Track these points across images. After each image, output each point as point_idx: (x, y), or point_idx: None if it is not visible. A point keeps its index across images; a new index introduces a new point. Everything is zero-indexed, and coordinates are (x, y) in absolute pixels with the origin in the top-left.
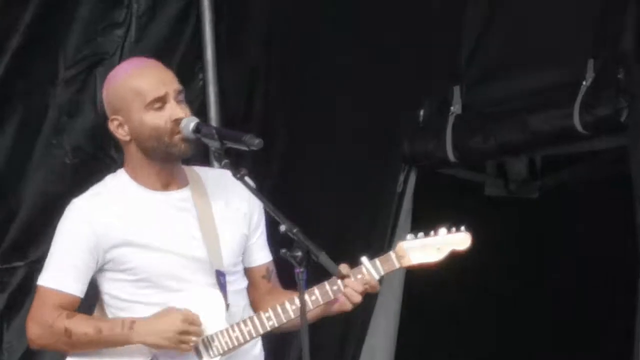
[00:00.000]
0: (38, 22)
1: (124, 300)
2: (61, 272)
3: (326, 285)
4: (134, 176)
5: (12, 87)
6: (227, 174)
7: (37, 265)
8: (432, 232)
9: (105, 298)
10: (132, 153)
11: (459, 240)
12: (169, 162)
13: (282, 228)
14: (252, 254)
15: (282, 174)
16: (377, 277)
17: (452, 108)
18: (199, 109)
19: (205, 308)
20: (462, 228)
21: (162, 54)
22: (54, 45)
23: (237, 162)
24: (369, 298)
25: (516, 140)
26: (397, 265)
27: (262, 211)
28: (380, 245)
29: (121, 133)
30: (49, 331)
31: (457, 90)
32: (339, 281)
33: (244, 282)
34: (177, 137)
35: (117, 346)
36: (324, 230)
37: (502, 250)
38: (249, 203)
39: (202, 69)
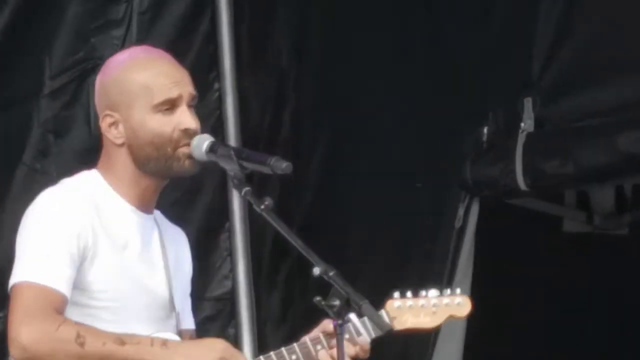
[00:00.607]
0: (18, 22)
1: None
2: (53, 267)
3: (307, 342)
4: (116, 186)
5: None
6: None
7: None
8: (422, 292)
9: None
10: (120, 159)
11: (457, 305)
12: (160, 180)
13: (316, 271)
14: (184, 317)
15: (316, 206)
16: (368, 338)
17: (522, 124)
18: (215, 125)
19: None
20: (458, 290)
21: None
22: (37, 50)
23: (260, 191)
24: None
25: (602, 165)
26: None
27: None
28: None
29: (114, 134)
30: (52, 336)
31: (528, 103)
32: (323, 339)
33: None
34: (181, 151)
35: None
36: (367, 275)
37: (585, 296)
38: (190, 258)
39: (219, 77)
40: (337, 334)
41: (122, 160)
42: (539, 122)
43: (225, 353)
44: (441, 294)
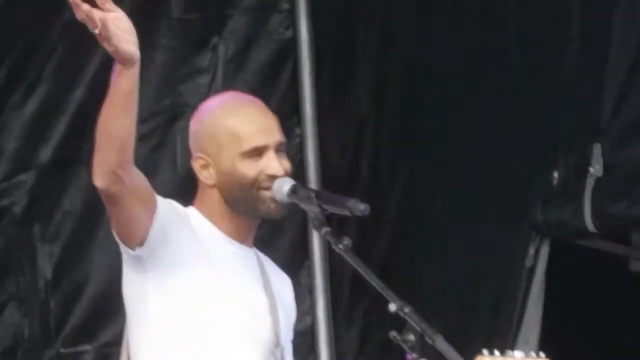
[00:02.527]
0: (107, 71)
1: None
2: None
3: None
4: (211, 219)
5: (75, 149)
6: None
7: (107, 350)
8: (509, 352)
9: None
10: (214, 199)
11: None
12: (251, 219)
13: (392, 307)
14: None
15: (393, 245)
16: None
17: (591, 169)
18: (297, 168)
19: None
20: (542, 354)
21: None
22: None
23: (339, 231)
24: None
25: None
26: None
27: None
28: (506, 329)
29: (205, 175)
30: None
31: (597, 149)
32: None
33: None
34: (265, 194)
35: None
36: (441, 310)
37: None
38: (295, 312)
39: (300, 123)
40: None
41: (215, 200)
42: (607, 167)
43: None
44: (526, 355)
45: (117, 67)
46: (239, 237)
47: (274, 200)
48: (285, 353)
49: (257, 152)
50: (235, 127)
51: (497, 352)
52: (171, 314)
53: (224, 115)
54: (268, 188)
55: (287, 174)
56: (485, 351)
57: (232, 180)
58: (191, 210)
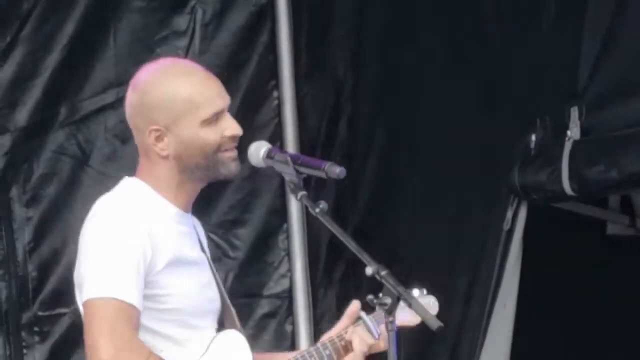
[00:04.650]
0: (83, 33)
1: (155, 332)
2: (129, 282)
3: (335, 340)
4: (163, 192)
5: (52, 112)
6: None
7: None
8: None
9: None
10: (165, 169)
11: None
12: (203, 184)
13: (369, 271)
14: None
15: (370, 209)
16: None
17: (569, 132)
18: (274, 131)
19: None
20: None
21: (231, 68)
22: (103, 60)
23: (316, 195)
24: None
25: None
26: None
27: None
28: (483, 294)
29: (161, 147)
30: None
31: (575, 112)
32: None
33: None
34: (226, 155)
35: None
36: (417, 274)
37: (628, 299)
38: None
39: (278, 86)
40: (389, 330)
41: (167, 170)
42: (584, 130)
43: None
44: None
45: None
46: (185, 205)
47: (234, 159)
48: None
49: (216, 117)
50: (191, 94)
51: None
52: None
53: (174, 84)
54: (227, 149)
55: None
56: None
57: (194, 149)
58: (136, 186)
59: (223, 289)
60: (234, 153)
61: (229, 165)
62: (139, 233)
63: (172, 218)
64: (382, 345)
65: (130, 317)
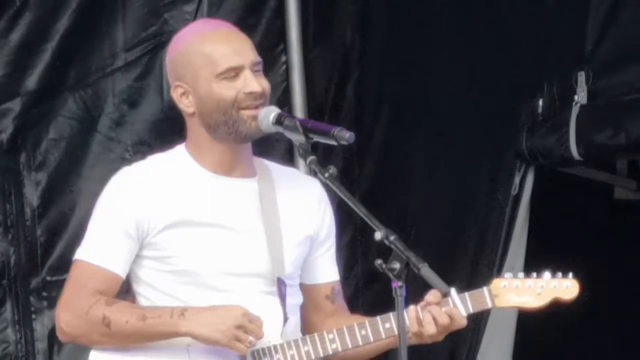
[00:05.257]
0: None
1: (163, 292)
2: (104, 246)
3: (378, 321)
4: (195, 155)
5: (61, 76)
6: (301, 175)
7: None
8: (534, 274)
9: (141, 289)
10: (195, 128)
11: (564, 288)
12: (235, 143)
13: (378, 236)
14: (317, 270)
15: (378, 175)
16: (464, 313)
17: (576, 97)
18: (282, 96)
19: (261, 317)
20: (570, 275)
21: None
22: (110, 25)
23: (325, 160)
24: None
25: None
26: (490, 305)
27: (333, 224)
28: (491, 258)
29: (185, 103)
30: (84, 319)
31: (582, 76)
32: (393, 320)
33: (300, 297)
34: (246, 113)
35: (162, 338)
36: (426, 239)
37: (635, 263)
38: (319, 208)
39: (286, 51)
40: (397, 295)
41: (196, 129)
42: (591, 95)
43: (243, 319)
44: (553, 276)
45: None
46: (225, 169)
47: (254, 118)
48: (294, 290)
49: (234, 73)
50: (208, 50)
51: (520, 274)
52: (159, 260)
53: (197, 40)
54: (248, 107)
55: (264, 93)
56: (507, 274)
57: (211, 103)
58: (175, 151)
59: (286, 255)
60: (254, 112)
61: (249, 124)
62: (131, 197)
63: (199, 181)
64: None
65: (92, 277)
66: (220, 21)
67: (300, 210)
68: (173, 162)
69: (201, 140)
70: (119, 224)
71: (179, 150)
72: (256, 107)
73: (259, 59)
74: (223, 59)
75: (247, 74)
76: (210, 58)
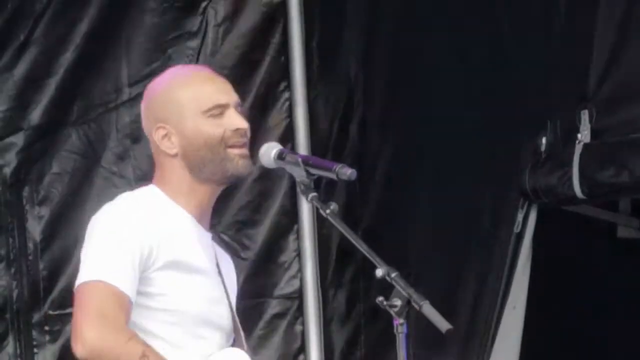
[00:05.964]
0: (96, 33)
1: (145, 331)
2: (121, 269)
3: None
4: (173, 197)
5: (65, 111)
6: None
7: None
8: None
9: None
10: (175, 170)
11: None
12: (217, 185)
13: (379, 273)
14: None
15: (380, 211)
16: None
17: (579, 135)
18: (285, 133)
19: None
20: None
21: (242, 69)
22: (115, 60)
23: (327, 197)
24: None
25: None
26: None
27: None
28: (493, 295)
29: (167, 145)
30: (121, 347)
31: (585, 115)
32: None
33: None
34: (233, 151)
35: None
36: (427, 277)
37: (638, 302)
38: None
39: (289, 87)
40: (398, 332)
41: (177, 171)
42: (595, 134)
43: None
44: None
45: None
46: (201, 213)
47: (242, 157)
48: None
49: (219, 110)
50: (193, 89)
51: None
52: (152, 301)
53: (179, 82)
54: (234, 145)
55: (248, 132)
56: None
57: (198, 142)
58: (151, 191)
59: (235, 313)
60: (242, 151)
61: (237, 162)
62: (140, 227)
63: (185, 224)
64: None
65: (120, 300)
66: (199, 66)
67: (232, 276)
68: (153, 202)
69: (182, 182)
70: (130, 252)
71: (154, 191)
72: (242, 146)
73: (239, 100)
74: (209, 96)
75: (232, 112)
76: (196, 95)
